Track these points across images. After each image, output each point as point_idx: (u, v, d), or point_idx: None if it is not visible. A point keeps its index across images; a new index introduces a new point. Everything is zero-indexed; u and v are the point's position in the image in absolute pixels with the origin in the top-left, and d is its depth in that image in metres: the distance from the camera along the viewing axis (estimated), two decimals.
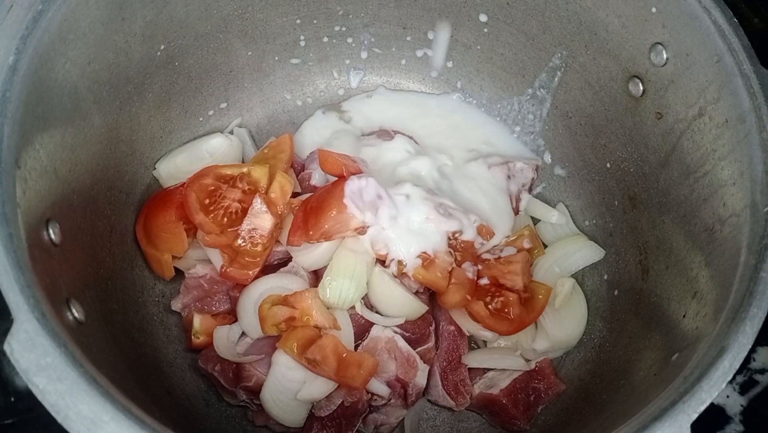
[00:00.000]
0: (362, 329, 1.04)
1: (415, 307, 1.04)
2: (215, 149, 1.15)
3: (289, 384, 0.97)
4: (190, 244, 1.06)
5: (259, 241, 1.02)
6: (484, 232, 1.10)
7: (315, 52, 1.24)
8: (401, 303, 1.03)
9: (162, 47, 1.03)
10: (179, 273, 1.08)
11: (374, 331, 1.03)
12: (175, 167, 1.11)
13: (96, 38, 0.88)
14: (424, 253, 1.03)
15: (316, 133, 1.23)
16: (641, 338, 0.97)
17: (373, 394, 1.01)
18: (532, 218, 1.21)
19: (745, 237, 0.79)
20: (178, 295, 1.07)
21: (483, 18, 1.15)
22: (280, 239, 1.06)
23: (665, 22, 0.93)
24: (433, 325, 1.07)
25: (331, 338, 0.97)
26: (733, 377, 0.71)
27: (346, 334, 1.01)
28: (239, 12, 1.11)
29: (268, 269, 1.06)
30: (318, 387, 0.98)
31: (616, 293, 1.10)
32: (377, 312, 1.04)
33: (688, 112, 0.92)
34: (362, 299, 1.04)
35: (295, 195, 1.09)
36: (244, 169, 1.06)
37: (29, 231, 0.70)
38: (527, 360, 1.08)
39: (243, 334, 1.04)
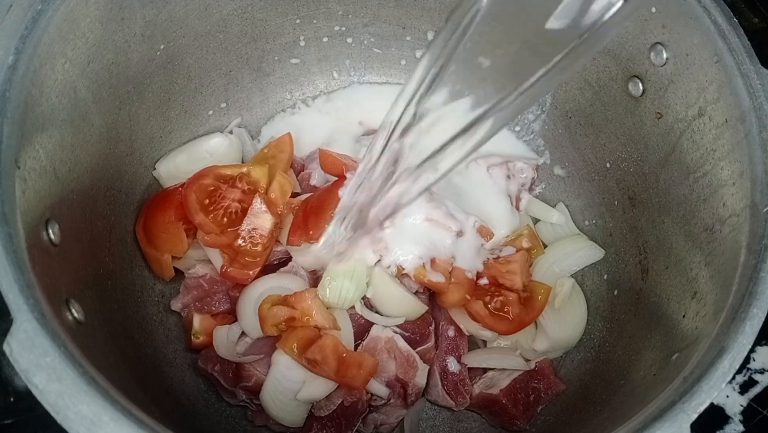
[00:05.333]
0: (362, 329, 1.04)
1: (415, 307, 1.04)
2: (215, 149, 1.14)
3: (289, 384, 0.97)
4: (190, 244, 1.06)
5: (259, 241, 1.02)
6: (484, 232, 1.10)
7: (315, 52, 1.24)
8: (401, 303, 1.03)
9: (161, 47, 1.02)
10: (179, 273, 1.08)
11: (374, 331, 1.03)
12: (174, 167, 1.11)
13: (95, 38, 0.88)
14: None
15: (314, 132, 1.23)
16: (641, 338, 0.97)
17: (372, 394, 1.01)
18: (532, 217, 1.21)
19: (745, 237, 0.79)
20: (178, 295, 1.07)
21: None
22: (280, 239, 1.06)
23: (665, 22, 0.93)
24: (433, 325, 1.07)
25: (331, 338, 0.97)
26: (733, 377, 0.71)
27: (346, 334, 1.01)
28: (239, 12, 1.11)
29: (268, 269, 1.06)
30: (318, 387, 0.98)
31: (616, 293, 1.10)
32: (377, 312, 1.04)
33: (688, 112, 0.92)
34: (362, 299, 1.04)
35: (295, 195, 1.10)
36: (244, 170, 1.06)
37: (29, 231, 0.70)
38: (527, 360, 1.08)
39: (243, 334, 1.04)
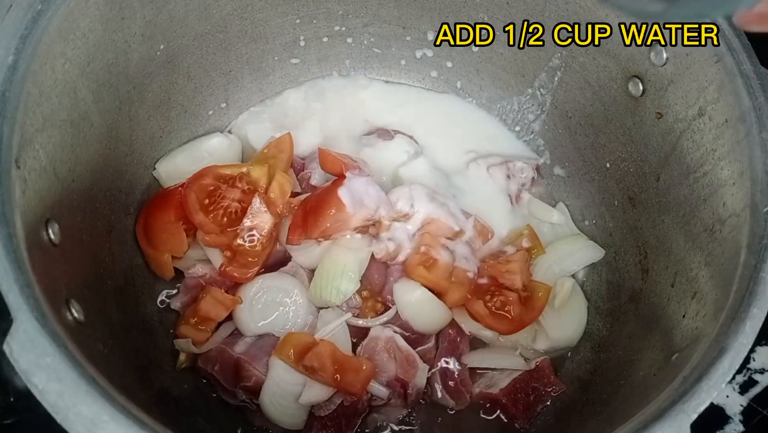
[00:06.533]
0: (361, 331, 1.04)
1: (448, 317, 1.05)
2: (215, 149, 1.15)
3: (288, 387, 0.97)
4: (190, 244, 1.06)
5: (259, 240, 1.02)
6: (484, 232, 1.10)
7: (315, 52, 1.24)
8: (439, 316, 1.05)
9: (162, 47, 1.02)
10: (179, 273, 1.08)
11: (374, 331, 1.03)
12: (174, 167, 1.11)
13: (95, 38, 0.88)
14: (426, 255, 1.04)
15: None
16: (641, 338, 0.97)
17: (373, 394, 1.01)
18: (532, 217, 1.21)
19: (745, 237, 0.79)
20: (178, 294, 1.07)
21: (483, 18, 1.15)
22: (280, 239, 1.06)
23: (665, 21, 0.93)
24: None
25: (327, 344, 0.97)
26: (733, 377, 0.71)
27: (343, 341, 1.01)
28: (239, 12, 1.11)
29: (268, 268, 1.06)
30: (319, 391, 0.97)
31: (615, 293, 1.10)
32: (412, 328, 1.04)
33: (688, 112, 0.92)
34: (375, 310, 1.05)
35: (294, 195, 1.10)
36: (244, 169, 1.06)
37: (28, 231, 0.70)
38: (527, 360, 1.08)
39: (241, 333, 1.04)
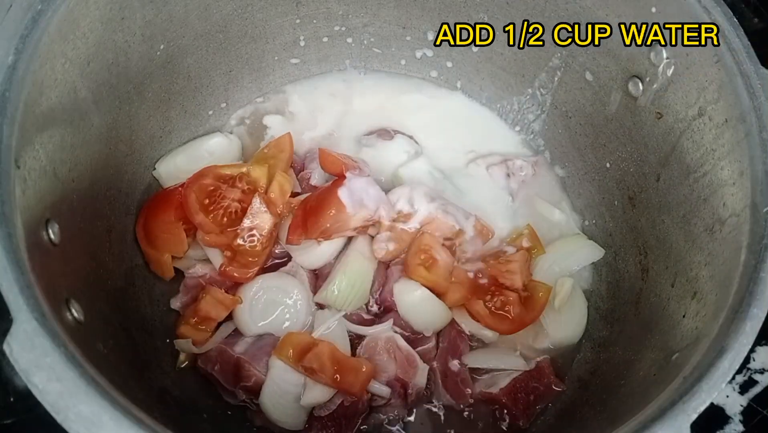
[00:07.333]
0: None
1: (448, 316, 1.05)
2: (215, 149, 1.15)
3: (288, 387, 0.97)
4: (190, 244, 1.06)
5: (259, 240, 1.02)
6: (484, 231, 1.10)
7: (315, 51, 1.24)
8: (439, 316, 1.05)
9: (161, 47, 1.02)
10: (179, 273, 1.08)
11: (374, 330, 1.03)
12: (174, 167, 1.11)
13: (95, 38, 0.88)
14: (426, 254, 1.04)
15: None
16: (641, 338, 0.97)
17: (373, 394, 1.01)
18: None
19: (745, 237, 0.79)
20: (178, 294, 1.07)
21: (483, 18, 1.15)
22: (280, 239, 1.06)
23: (665, 22, 0.93)
24: None
25: (327, 345, 0.97)
26: (733, 377, 0.71)
27: (342, 341, 1.01)
28: (239, 12, 1.11)
29: (268, 268, 1.06)
30: (320, 391, 0.97)
31: (615, 293, 1.10)
32: (412, 328, 1.04)
33: (688, 112, 0.92)
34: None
35: (294, 195, 1.10)
36: (244, 169, 1.07)
37: (28, 231, 0.70)
38: (527, 360, 1.08)
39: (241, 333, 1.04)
